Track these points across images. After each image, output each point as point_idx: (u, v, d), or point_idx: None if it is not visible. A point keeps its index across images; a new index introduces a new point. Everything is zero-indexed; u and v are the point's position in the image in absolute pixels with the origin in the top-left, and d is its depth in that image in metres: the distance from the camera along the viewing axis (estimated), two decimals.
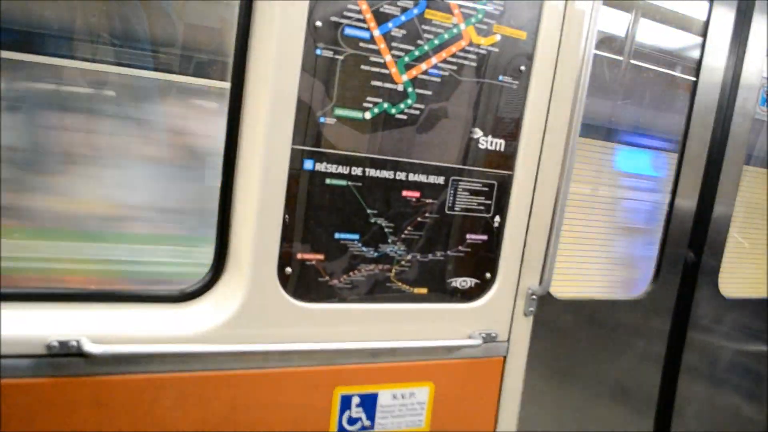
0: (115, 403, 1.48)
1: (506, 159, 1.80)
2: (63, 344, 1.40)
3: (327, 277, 1.64)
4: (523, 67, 1.75)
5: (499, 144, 1.78)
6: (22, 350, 1.39)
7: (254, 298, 1.57)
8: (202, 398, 1.56)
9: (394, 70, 1.59)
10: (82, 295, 1.51)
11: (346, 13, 1.51)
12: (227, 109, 1.54)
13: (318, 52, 1.50)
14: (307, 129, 1.54)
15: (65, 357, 1.42)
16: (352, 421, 1.74)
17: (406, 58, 1.60)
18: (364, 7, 1.52)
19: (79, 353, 1.41)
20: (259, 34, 1.50)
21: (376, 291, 1.71)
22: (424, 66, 1.62)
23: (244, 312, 1.56)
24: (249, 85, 1.52)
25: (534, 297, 1.93)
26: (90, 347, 1.40)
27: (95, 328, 1.46)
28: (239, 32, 1.51)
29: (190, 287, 1.59)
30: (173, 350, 1.50)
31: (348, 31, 1.52)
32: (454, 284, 1.82)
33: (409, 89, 1.62)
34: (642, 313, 2.33)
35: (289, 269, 1.59)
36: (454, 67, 1.66)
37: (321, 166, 1.57)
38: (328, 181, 1.59)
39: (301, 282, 1.62)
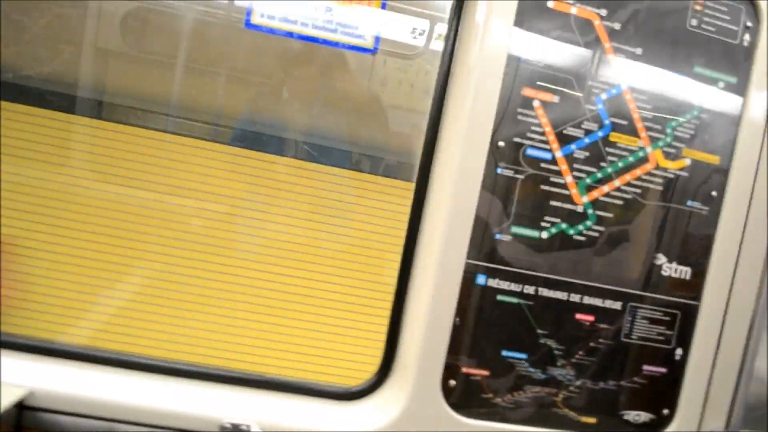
0: None
1: (692, 287, 1.67)
2: (235, 427, 1.50)
3: (491, 395, 1.60)
4: (714, 193, 1.65)
5: (684, 271, 1.66)
6: (197, 427, 1.51)
7: (416, 406, 1.57)
8: None
9: (574, 191, 1.58)
10: (254, 381, 1.62)
11: (529, 135, 1.55)
12: (408, 214, 1.62)
13: (498, 170, 1.54)
14: (483, 244, 1.56)
15: None
16: None
17: (588, 180, 1.58)
18: (548, 129, 1.55)
19: None
20: (443, 149, 1.58)
21: (541, 415, 1.63)
22: (606, 188, 1.59)
23: (404, 419, 1.57)
24: (430, 195, 1.59)
25: None
26: None
27: (263, 415, 1.55)
28: (426, 142, 1.60)
29: (355, 387, 1.64)
30: None
31: (530, 151, 1.55)
32: (626, 417, 1.68)
33: (589, 211, 1.59)
34: None
35: (453, 381, 1.58)
36: (638, 191, 1.61)
37: (493, 282, 1.57)
38: (499, 297, 1.58)
39: (464, 396, 1.59)
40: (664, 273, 1.65)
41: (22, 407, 1.45)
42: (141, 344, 1.65)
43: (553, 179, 1.57)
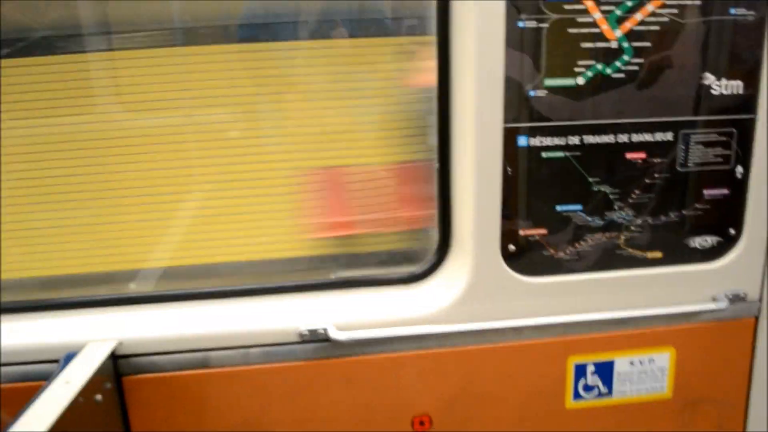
0: (362, 380, 1.65)
1: (746, 102, 1.58)
2: (312, 332, 1.59)
3: (552, 251, 1.62)
4: None
5: (735, 86, 1.57)
6: (279, 339, 1.61)
7: (480, 276, 1.61)
8: (440, 373, 1.66)
9: (605, 26, 1.47)
10: (322, 285, 1.70)
11: None
12: (436, 90, 1.56)
13: (521, 24, 1.45)
14: (518, 105, 1.50)
15: (315, 342, 1.60)
16: (588, 388, 1.72)
17: (618, 11, 1.47)
18: None
19: (326, 339, 1.58)
20: (458, 14, 1.48)
21: (606, 259, 1.64)
22: (639, 16, 1.48)
23: (471, 291, 1.61)
24: (455, 66, 1.53)
25: None
26: (335, 334, 1.57)
27: (337, 314, 1.63)
28: (439, 12, 1.51)
29: (418, 269, 1.69)
30: (406, 332, 1.61)
31: None
32: (692, 244, 1.68)
33: (625, 44, 1.49)
34: None
35: (512, 246, 1.60)
36: (675, 10, 1.49)
37: (536, 141, 1.53)
38: (544, 154, 1.54)
39: (526, 257, 1.62)
40: (714, 92, 1.57)
41: (115, 357, 1.55)
42: (192, 255, 1.75)
43: (581, 19, 1.46)
